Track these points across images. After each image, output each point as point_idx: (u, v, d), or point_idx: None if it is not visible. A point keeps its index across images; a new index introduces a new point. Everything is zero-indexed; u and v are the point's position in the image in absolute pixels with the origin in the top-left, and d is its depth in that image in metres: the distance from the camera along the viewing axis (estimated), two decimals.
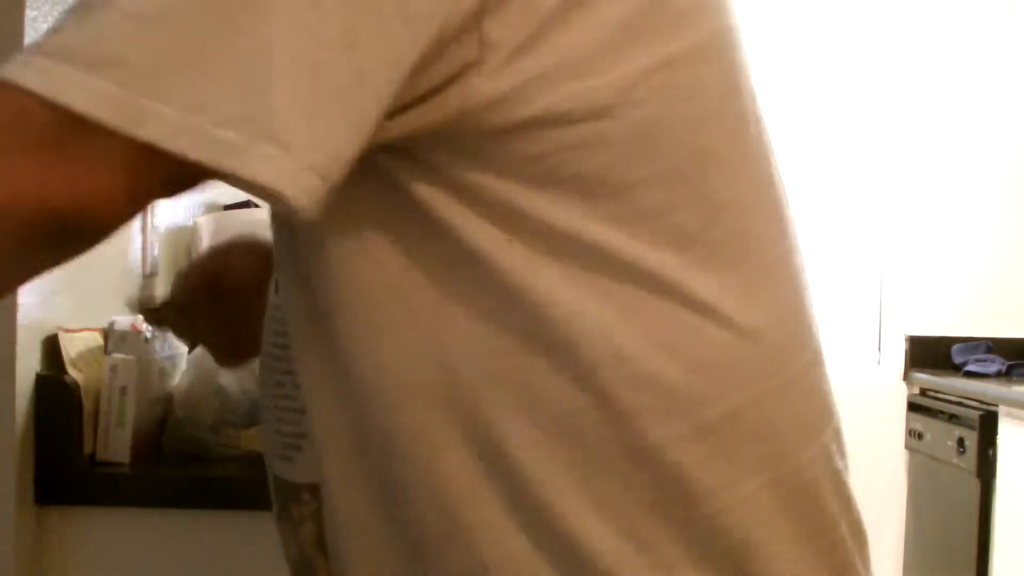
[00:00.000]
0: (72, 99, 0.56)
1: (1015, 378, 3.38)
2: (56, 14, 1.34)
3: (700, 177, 0.68)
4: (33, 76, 0.57)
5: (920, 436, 3.46)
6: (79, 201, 0.57)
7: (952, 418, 3.24)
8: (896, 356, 3.73)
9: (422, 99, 0.63)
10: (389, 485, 0.70)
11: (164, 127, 0.56)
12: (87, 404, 1.37)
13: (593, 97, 0.64)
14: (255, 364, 0.89)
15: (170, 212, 1.83)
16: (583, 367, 0.66)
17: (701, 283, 0.68)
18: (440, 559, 0.69)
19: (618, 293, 0.66)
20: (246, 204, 1.94)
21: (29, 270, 0.64)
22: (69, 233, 0.59)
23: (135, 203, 0.60)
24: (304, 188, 0.58)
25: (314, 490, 0.76)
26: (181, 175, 0.60)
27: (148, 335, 1.43)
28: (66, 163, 0.57)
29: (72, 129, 0.56)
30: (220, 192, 1.93)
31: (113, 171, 0.58)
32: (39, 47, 0.58)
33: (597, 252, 0.66)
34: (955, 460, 3.17)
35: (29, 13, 1.27)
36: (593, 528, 0.67)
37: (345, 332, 0.69)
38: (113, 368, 1.39)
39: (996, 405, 3.04)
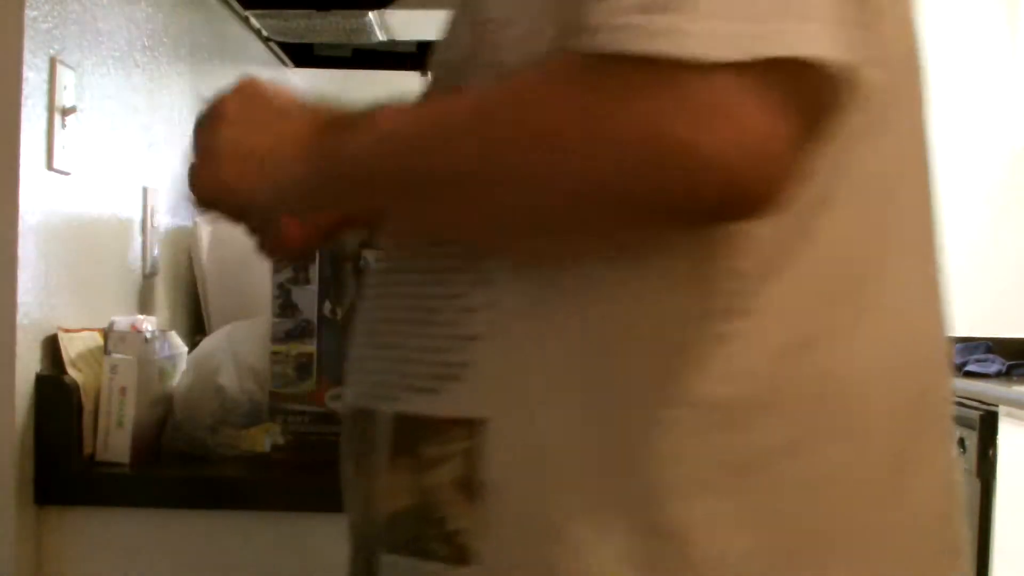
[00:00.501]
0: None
1: (1015, 378, 3.38)
2: (56, 14, 1.34)
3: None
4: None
5: None
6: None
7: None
8: None
9: None
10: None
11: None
12: (87, 404, 1.37)
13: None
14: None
15: (170, 213, 1.83)
16: None
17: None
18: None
19: None
20: None
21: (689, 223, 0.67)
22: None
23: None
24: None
25: (470, 424, 0.71)
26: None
27: (148, 335, 1.43)
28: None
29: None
30: None
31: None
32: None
33: None
34: None
35: (29, 13, 1.27)
36: None
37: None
38: (113, 368, 1.39)
39: (996, 405, 3.03)
